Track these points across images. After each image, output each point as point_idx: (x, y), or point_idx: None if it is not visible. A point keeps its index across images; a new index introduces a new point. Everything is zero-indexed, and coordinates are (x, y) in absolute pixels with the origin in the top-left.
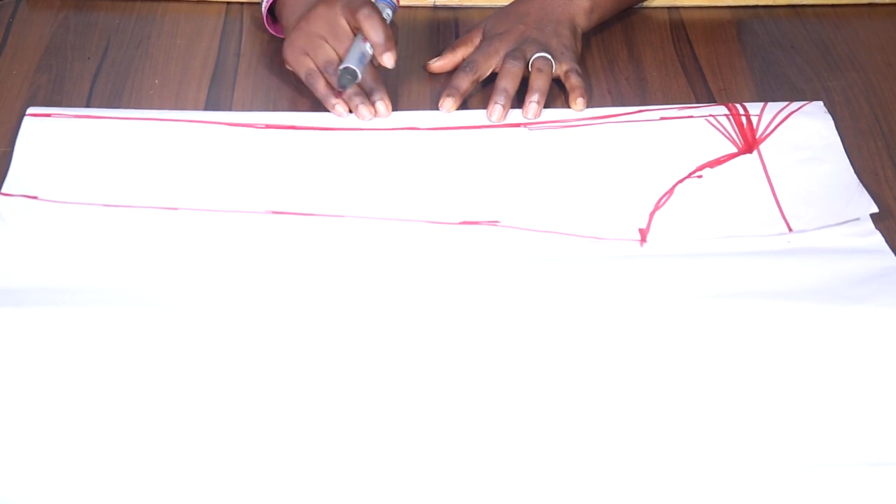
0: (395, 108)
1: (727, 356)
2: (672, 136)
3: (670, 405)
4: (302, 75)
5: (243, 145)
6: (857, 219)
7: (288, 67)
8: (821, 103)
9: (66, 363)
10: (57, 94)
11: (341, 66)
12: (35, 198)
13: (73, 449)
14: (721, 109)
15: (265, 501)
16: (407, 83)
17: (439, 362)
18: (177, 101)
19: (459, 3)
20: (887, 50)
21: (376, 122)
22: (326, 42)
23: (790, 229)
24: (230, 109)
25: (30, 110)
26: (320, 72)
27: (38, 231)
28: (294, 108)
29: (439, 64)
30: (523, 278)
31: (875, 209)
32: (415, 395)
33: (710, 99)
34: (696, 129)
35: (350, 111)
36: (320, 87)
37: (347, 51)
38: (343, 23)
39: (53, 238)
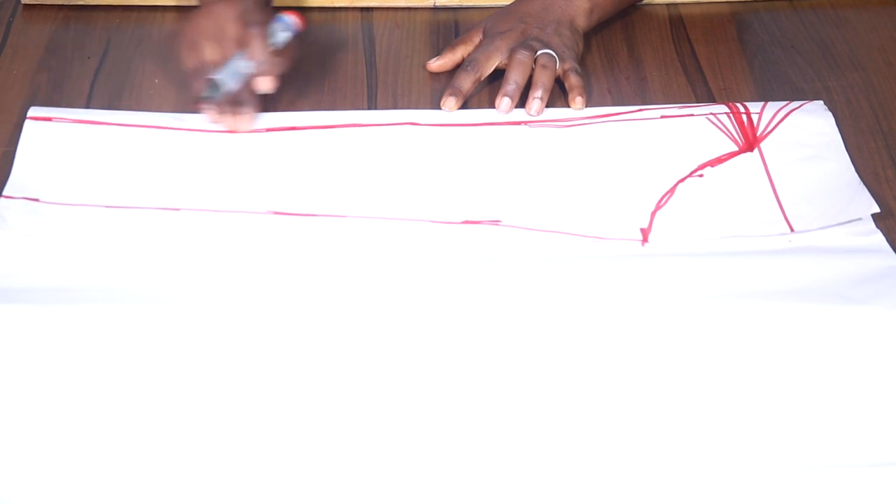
0: (394, 108)
1: (729, 356)
2: (673, 135)
3: (672, 405)
4: (186, 68)
5: (244, 143)
6: (860, 219)
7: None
8: (821, 102)
9: (69, 363)
10: (57, 94)
11: (209, 76)
12: (37, 200)
13: (73, 448)
14: (721, 108)
15: (265, 501)
16: (407, 83)
17: (441, 361)
18: (177, 101)
19: (459, 4)
20: (887, 49)
21: (376, 118)
22: (210, 44)
23: (792, 229)
24: None
25: (31, 112)
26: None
27: (39, 233)
28: (294, 107)
29: (439, 63)
30: (525, 278)
31: (876, 209)
32: (417, 394)
33: (710, 98)
34: (696, 128)
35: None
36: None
37: (225, 63)
38: (231, 32)
39: (55, 239)
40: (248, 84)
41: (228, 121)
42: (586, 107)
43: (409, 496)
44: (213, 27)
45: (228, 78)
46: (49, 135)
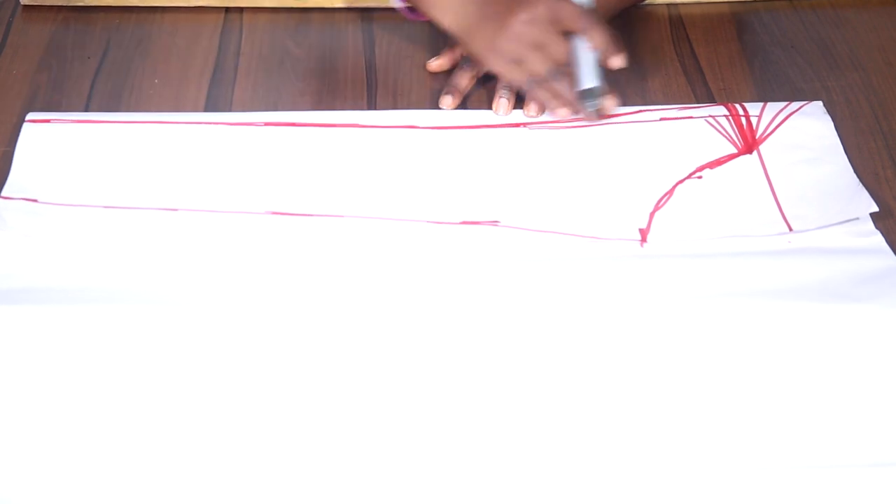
0: (393, 108)
1: (728, 356)
2: (672, 137)
3: (671, 405)
4: (518, 84)
5: (242, 144)
6: (857, 218)
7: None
8: (820, 103)
9: (67, 364)
10: (57, 94)
11: (582, 88)
12: (35, 200)
13: (72, 448)
14: (721, 110)
15: (265, 501)
16: (407, 84)
17: (440, 362)
18: (177, 101)
19: None
20: (887, 49)
21: (376, 120)
22: (539, 50)
23: (790, 229)
24: (230, 109)
25: (29, 116)
26: (537, 79)
27: (38, 233)
28: (294, 107)
29: (439, 63)
30: (523, 278)
31: (875, 208)
32: (415, 394)
33: (710, 98)
34: (695, 130)
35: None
36: (540, 93)
37: (576, 65)
38: (553, 30)
39: (54, 240)
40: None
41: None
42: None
43: (409, 496)
44: (533, 34)
45: (596, 77)
46: (47, 135)
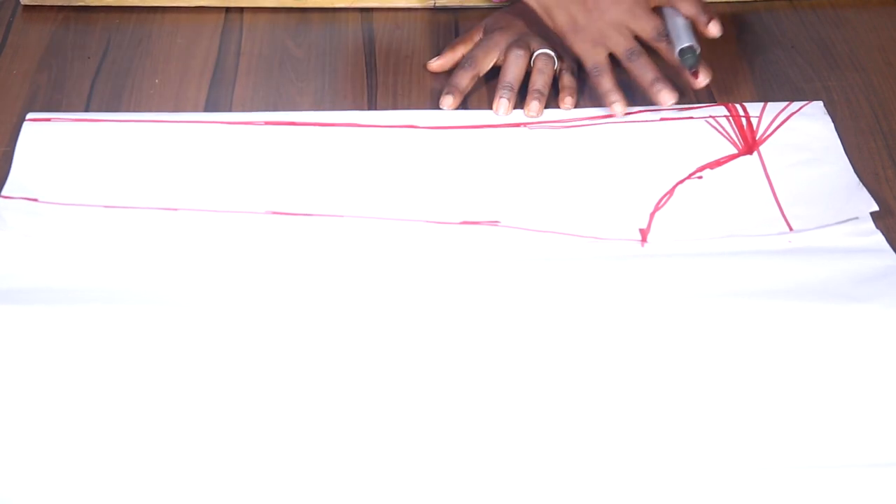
0: (393, 108)
1: (728, 356)
2: (672, 137)
3: (671, 405)
4: (588, 66)
5: (242, 144)
6: (857, 218)
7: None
8: (820, 103)
9: (68, 363)
10: (57, 94)
11: (681, 47)
12: (35, 200)
13: (72, 448)
14: (721, 110)
15: (265, 501)
16: (407, 84)
17: (440, 362)
18: (177, 101)
19: (460, 4)
20: (887, 49)
21: (376, 119)
22: (626, 27)
23: (791, 229)
24: (230, 109)
25: (29, 115)
26: (608, 67)
27: (38, 232)
28: (295, 107)
29: (439, 63)
30: (524, 278)
31: (875, 207)
32: (415, 394)
33: (710, 98)
34: (695, 130)
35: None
36: (605, 83)
37: (669, 30)
38: (644, 3)
39: (54, 239)
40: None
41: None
42: (575, 108)
43: (409, 496)
44: (621, 11)
45: (692, 38)
46: (47, 134)
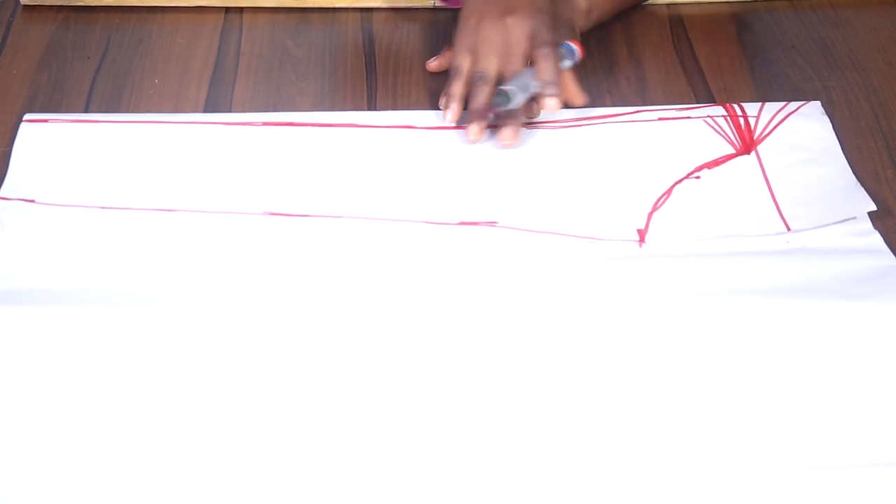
0: (394, 109)
1: (727, 356)
2: (670, 137)
3: (670, 406)
4: (452, 67)
5: (240, 144)
6: (855, 217)
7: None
8: (818, 103)
9: (65, 365)
10: (57, 94)
11: (500, 87)
12: (32, 201)
13: (70, 449)
14: (719, 110)
15: (265, 501)
16: (407, 84)
17: (438, 363)
18: (177, 101)
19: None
20: (887, 49)
21: (374, 120)
22: (495, 56)
23: (788, 229)
24: (230, 109)
25: (27, 116)
26: (466, 76)
27: (36, 234)
28: (295, 107)
29: (438, 62)
30: (522, 279)
31: (873, 207)
32: (414, 396)
33: (710, 98)
34: (693, 130)
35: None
36: (454, 87)
37: (514, 76)
38: (522, 49)
39: (51, 240)
40: (528, 101)
41: (508, 138)
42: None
43: (408, 496)
44: (502, 39)
45: (519, 91)
46: (44, 136)
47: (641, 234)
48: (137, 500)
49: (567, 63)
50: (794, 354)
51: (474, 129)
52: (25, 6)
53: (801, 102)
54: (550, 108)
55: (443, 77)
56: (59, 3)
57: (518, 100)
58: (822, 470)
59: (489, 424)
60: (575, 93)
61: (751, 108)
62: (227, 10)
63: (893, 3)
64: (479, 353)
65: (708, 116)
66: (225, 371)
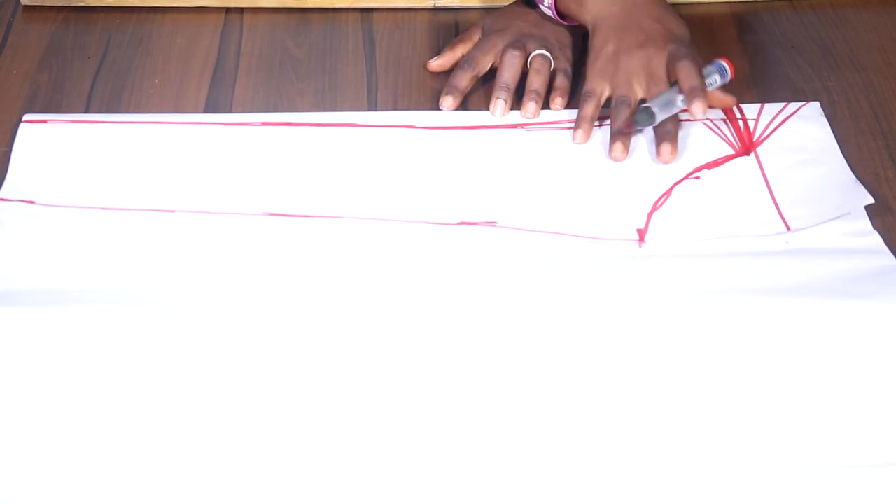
0: (394, 108)
1: (727, 355)
2: None
3: (670, 405)
4: (586, 87)
5: (239, 145)
6: (850, 213)
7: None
8: (817, 104)
9: (65, 365)
10: (57, 94)
11: (643, 104)
12: (32, 202)
13: (69, 449)
14: (718, 112)
15: (265, 501)
16: (407, 84)
17: (438, 363)
18: (177, 101)
19: (460, 4)
20: (887, 49)
21: (373, 120)
22: (637, 82)
23: (788, 228)
24: (230, 109)
25: (26, 117)
26: (600, 100)
27: (35, 234)
28: (295, 107)
29: (439, 62)
30: (522, 279)
31: (870, 199)
32: (414, 396)
33: None
34: (693, 132)
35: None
36: (587, 109)
37: (658, 94)
38: (663, 74)
39: (51, 241)
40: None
41: (668, 155)
42: (566, 108)
43: (407, 496)
44: (643, 68)
45: (661, 109)
46: (43, 137)
47: (641, 234)
48: (137, 499)
49: (717, 79)
50: (794, 353)
51: (620, 147)
52: (26, 6)
53: (800, 104)
54: (696, 112)
55: (444, 77)
56: (59, 4)
57: (660, 117)
58: (820, 469)
59: (489, 424)
60: (723, 99)
61: (750, 111)
62: (228, 10)
63: (893, 3)
64: (480, 353)
65: (707, 118)
66: (225, 371)
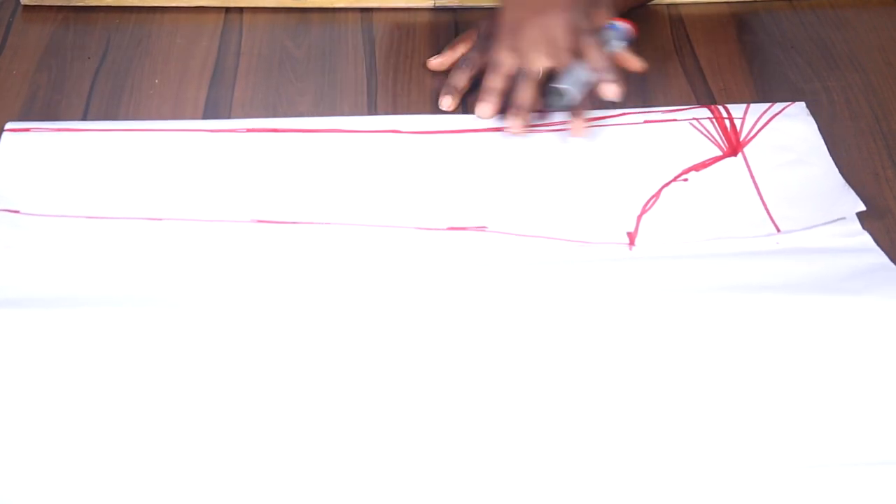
0: (393, 110)
1: (719, 356)
2: (656, 140)
3: (662, 407)
4: (491, 62)
5: (225, 152)
6: (844, 218)
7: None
8: (803, 104)
9: (50, 375)
10: (57, 94)
11: (553, 85)
12: (17, 212)
13: (62, 453)
14: (704, 112)
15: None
16: (407, 84)
17: (429, 369)
18: (176, 101)
19: (459, 4)
20: (887, 49)
21: (360, 125)
22: (539, 53)
23: (778, 229)
24: (230, 109)
25: (8, 126)
26: (506, 72)
27: (20, 244)
28: (294, 107)
29: (439, 61)
30: (512, 283)
31: (862, 207)
32: (405, 401)
33: (711, 99)
34: (679, 133)
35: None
36: (491, 80)
37: (564, 72)
38: (564, 42)
39: (36, 251)
40: (587, 93)
41: (572, 128)
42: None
43: (395, 498)
44: (542, 36)
45: (573, 86)
46: (27, 145)
47: (631, 237)
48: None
49: (617, 44)
50: (786, 350)
51: (518, 123)
52: (25, 6)
53: (785, 104)
54: (612, 94)
55: (443, 77)
56: (58, 4)
57: (571, 96)
58: (812, 467)
59: (480, 429)
60: (632, 62)
61: (736, 110)
62: (227, 10)
63: (893, 3)
64: (471, 359)
65: (694, 119)
66: (214, 378)
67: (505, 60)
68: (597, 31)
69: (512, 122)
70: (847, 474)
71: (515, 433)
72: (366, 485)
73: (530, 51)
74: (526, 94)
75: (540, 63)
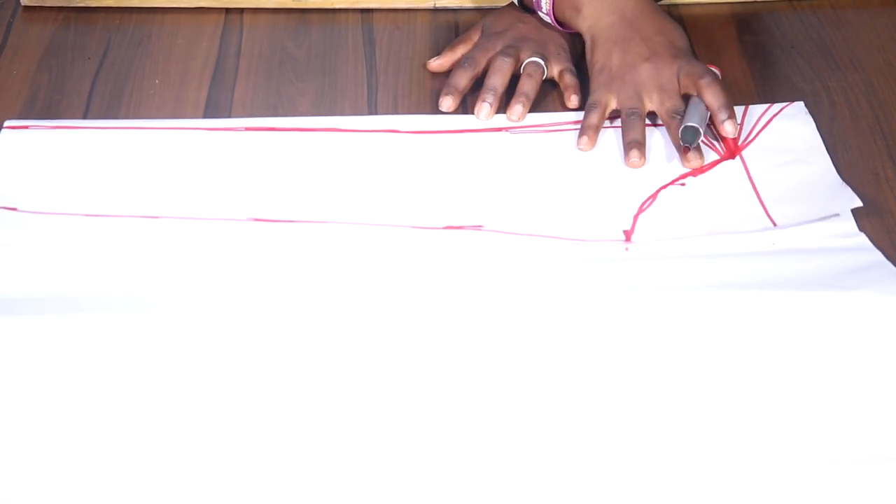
0: (393, 111)
1: (717, 352)
2: (654, 143)
3: (660, 405)
4: (590, 100)
5: (223, 150)
6: (839, 214)
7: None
8: (801, 104)
9: (48, 374)
10: (57, 94)
11: (688, 124)
12: (14, 209)
13: (58, 456)
14: None
15: None
16: (407, 85)
17: (426, 368)
18: (177, 101)
19: (459, 5)
20: (887, 49)
21: (357, 125)
22: (647, 95)
23: (775, 224)
24: (230, 109)
25: (7, 123)
26: (604, 111)
27: (18, 242)
28: (294, 108)
29: (439, 62)
30: (509, 282)
31: (858, 203)
32: (402, 400)
33: None
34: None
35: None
36: (593, 118)
37: (689, 110)
38: (676, 87)
39: (34, 249)
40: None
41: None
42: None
43: (392, 499)
44: (654, 81)
45: (699, 124)
46: (25, 143)
47: (627, 235)
48: None
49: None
50: (782, 346)
51: (636, 157)
52: (26, 7)
53: (783, 104)
54: (730, 131)
55: (443, 77)
56: (59, 4)
57: (702, 132)
58: (815, 463)
59: (478, 428)
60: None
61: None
62: (228, 10)
63: (893, 3)
64: (468, 357)
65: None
66: (211, 377)
67: (604, 101)
68: (711, 72)
69: (631, 155)
70: (844, 470)
71: (513, 430)
72: (358, 480)
73: (640, 95)
74: (637, 131)
75: (648, 107)
